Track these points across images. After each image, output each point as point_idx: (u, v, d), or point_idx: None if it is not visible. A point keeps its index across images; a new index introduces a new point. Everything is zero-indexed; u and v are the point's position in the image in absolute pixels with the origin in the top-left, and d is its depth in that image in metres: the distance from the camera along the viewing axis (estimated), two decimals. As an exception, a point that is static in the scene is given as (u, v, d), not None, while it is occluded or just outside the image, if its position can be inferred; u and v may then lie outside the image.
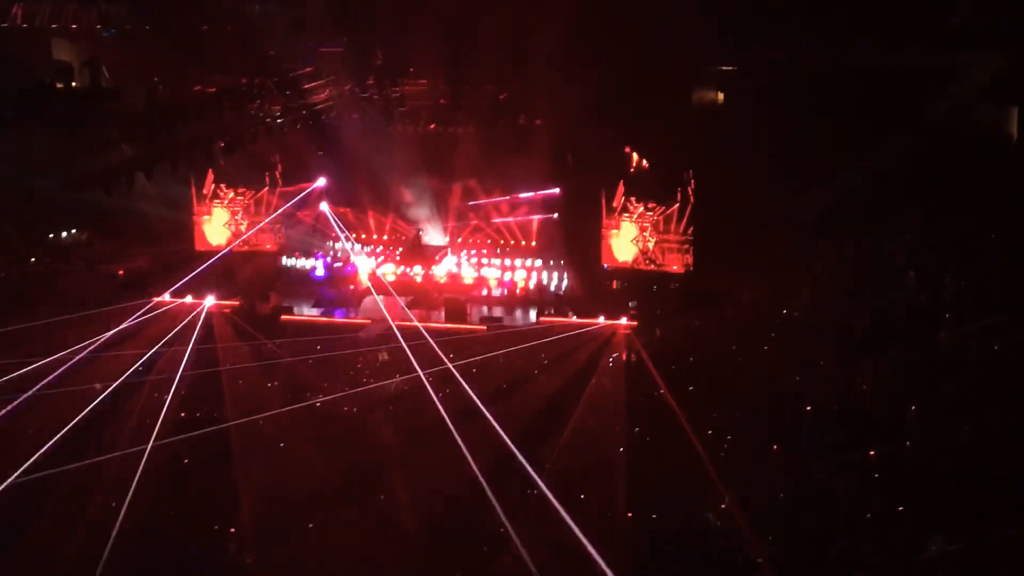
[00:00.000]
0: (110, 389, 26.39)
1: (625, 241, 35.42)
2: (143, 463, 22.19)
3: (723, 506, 20.76)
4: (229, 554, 20.03)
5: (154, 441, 23.34)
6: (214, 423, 24.88)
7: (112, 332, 29.83)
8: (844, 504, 20.47)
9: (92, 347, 28.70)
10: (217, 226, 37.61)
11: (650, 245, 35.05)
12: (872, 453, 22.21)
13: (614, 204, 35.40)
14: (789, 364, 27.09)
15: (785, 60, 31.12)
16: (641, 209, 35.43)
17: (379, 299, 34.87)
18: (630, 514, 20.81)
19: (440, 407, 25.12)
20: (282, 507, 21.09)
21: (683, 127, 33.15)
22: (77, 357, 27.96)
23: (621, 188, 35.39)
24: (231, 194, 37.91)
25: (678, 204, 35.00)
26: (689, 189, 34.54)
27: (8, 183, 31.34)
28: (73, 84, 35.11)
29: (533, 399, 26.59)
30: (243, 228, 37.86)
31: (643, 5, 30.70)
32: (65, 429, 23.62)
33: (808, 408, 24.79)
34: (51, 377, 26.65)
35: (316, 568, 19.51)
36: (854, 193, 29.61)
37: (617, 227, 35.61)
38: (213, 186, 37.55)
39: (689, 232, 34.84)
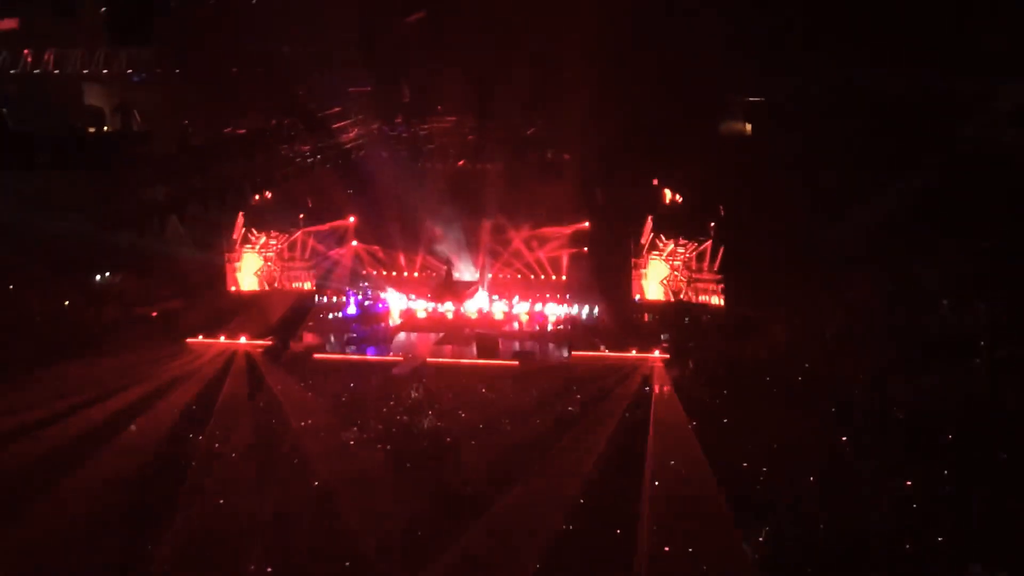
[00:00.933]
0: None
1: (655, 281, 34.99)
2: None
3: (760, 538, 20.67)
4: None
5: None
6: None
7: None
8: (882, 533, 20.34)
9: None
10: (248, 272, 37.48)
11: (682, 285, 34.49)
12: (909, 483, 22.08)
13: (642, 241, 35.05)
14: (824, 394, 27.01)
15: (811, 88, 31.11)
16: (671, 246, 34.96)
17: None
18: (667, 548, 20.72)
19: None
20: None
21: (711, 159, 33.14)
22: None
23: (649, 224, 35.12)
24: (263, 238, 37.77)
25: (711, 240, 34.39)
26: (721, 223, 34.22)
27: (42, 227, 31.65)
28: (105, 128, 35.42)
29: (566, 431, 26.64)
30: (276, 274, 37.72)
31: (668, 38, 30.76)
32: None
33: (844, 437, 24.68)
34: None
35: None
36: (885, 221, 29.49)
37: (646, 266, 35.16)
38: (244, 230, 37.48)
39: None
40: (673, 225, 35.19)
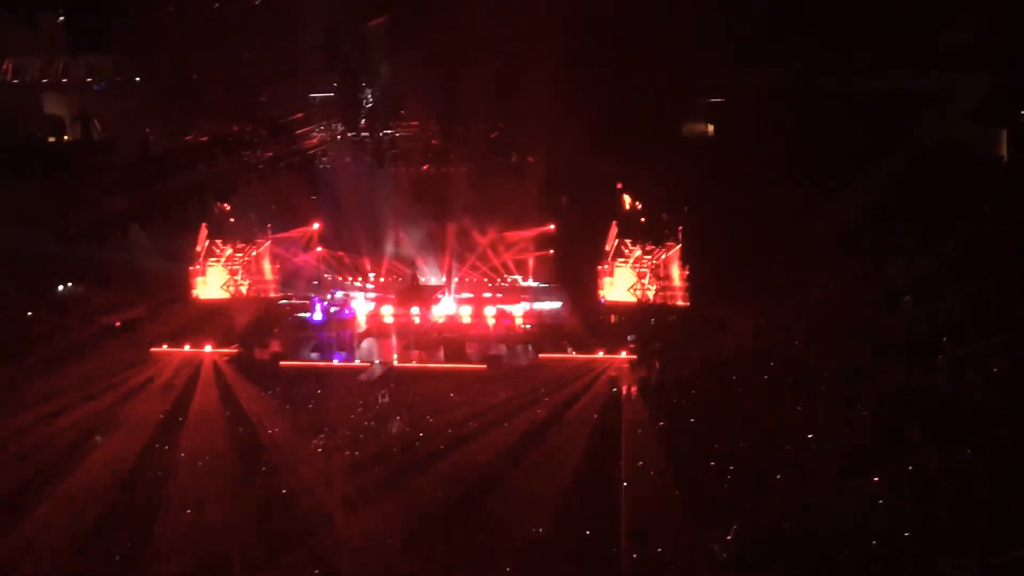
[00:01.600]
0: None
1: (622, 288, 34.73)
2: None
3: (728, 537, 20.69)
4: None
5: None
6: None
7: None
8: (849, 530, 20.39)
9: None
10: (214, 286, 36.96)
11: (650, 294, 34.20)
12: (875, 479, 22.13)
13: (607, 247, 34.79)
14: (789, 392, 27.06)
15: (772, 88, 31.25)
16: (638, 252, 34.76)
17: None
18: (635, 555, 20.73)
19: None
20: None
21: (675, 160, 33.16)
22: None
23: (614, 229, 34.88)
24: (228, 250, 37.26)
25: (679, 245, 34.10)
26: (687, 223, 33.98)
27: (4, 238, 31.39)
28: (65, 138, 35.18)
29: (534, 435, 26.58)
30: (243, 289, 37.19)
31: (630, 41, 30.84)
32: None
33: (810, 435, 24.72)
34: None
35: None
36: (848, 217, 29.64)
37: (612, 273, 35.04)
38: (207, 242, 36.99)
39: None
40: (639, 231, 34.99)
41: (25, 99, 34.86)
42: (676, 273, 33.81)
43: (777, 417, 25.65)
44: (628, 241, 34.66)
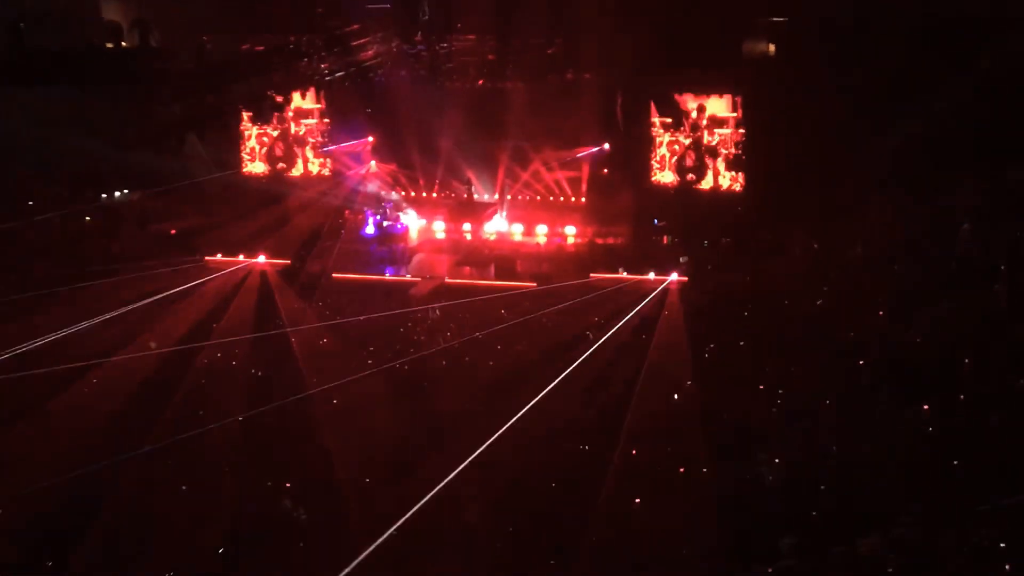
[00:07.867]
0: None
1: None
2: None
3: (776, 461, 20.71)
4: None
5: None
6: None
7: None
8: (897, 459, 20.35)
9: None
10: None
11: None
12: (926, 407, 22.03)
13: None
14: (843, 318, 26.90)
15: (838, 9, 30.67)
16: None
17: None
18: (682, 469, 20.80)
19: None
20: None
21: (734, 79, 32.82)
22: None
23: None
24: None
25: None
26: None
27: (60, 145, 31.62)
28: (123, 44, 35.17)
29: (584, 354, 26.59)
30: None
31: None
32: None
33: (861, 362, 24.61)
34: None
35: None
36: (911, 144, 29.14)
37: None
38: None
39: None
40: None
41: (84, 5, 34.88)
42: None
43: (829, 343, 25.58)
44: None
